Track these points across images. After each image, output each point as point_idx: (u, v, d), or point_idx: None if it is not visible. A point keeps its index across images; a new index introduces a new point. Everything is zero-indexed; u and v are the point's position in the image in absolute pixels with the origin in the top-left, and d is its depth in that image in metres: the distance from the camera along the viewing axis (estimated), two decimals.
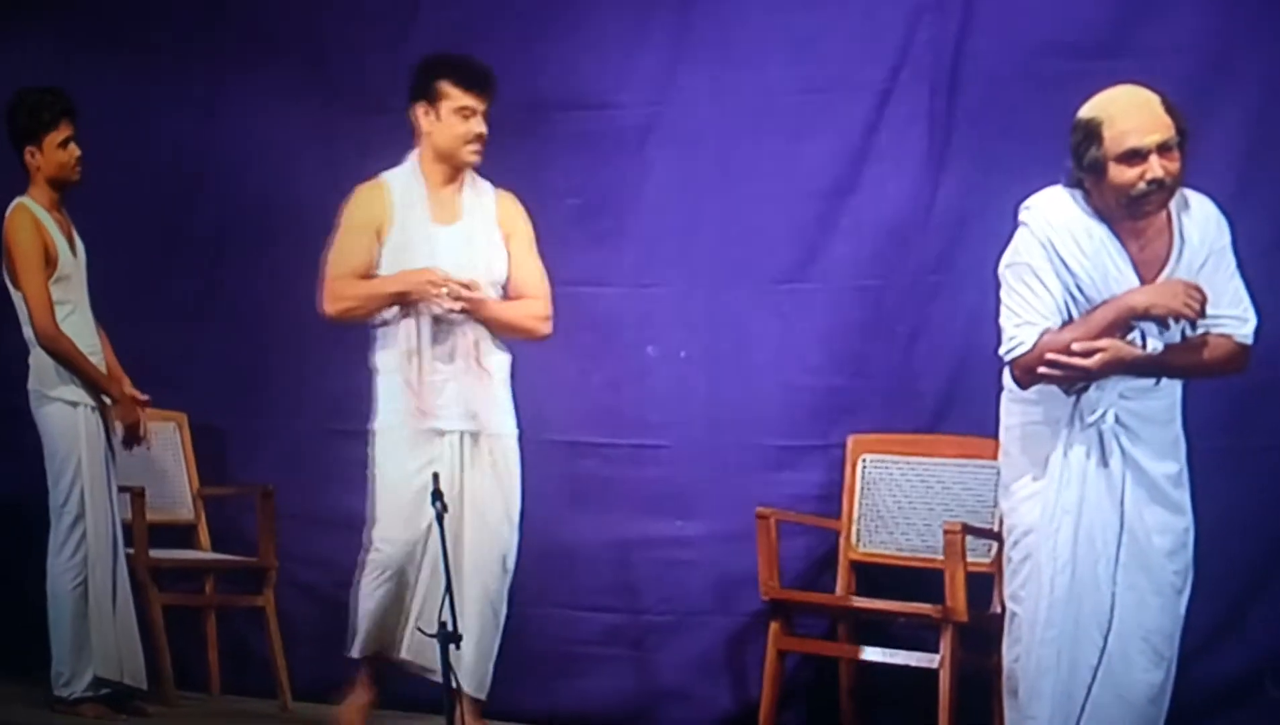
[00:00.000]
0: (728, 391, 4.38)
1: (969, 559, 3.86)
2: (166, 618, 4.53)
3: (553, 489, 4.05)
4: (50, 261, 4.17)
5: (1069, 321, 2.99)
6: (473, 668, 3.77)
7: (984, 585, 3.95)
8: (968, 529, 3.87)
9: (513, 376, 3.91)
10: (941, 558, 3.86)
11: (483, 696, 3.83)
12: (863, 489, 4.21)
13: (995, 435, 3.15)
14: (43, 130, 4.19)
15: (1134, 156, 2.91)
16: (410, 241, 3.80)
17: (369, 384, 4.68)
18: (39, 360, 4.20)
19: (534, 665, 4.37)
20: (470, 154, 3.82)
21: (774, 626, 4.07)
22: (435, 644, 3.14)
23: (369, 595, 3.83)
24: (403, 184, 3.84)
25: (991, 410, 3.15)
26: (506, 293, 3.88)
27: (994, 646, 3.25)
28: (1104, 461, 2.97)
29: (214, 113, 4.91)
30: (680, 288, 4.43)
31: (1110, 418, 2.97)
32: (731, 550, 4.25)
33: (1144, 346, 2.99)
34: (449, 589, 3.28)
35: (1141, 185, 2.92)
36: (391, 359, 3.81)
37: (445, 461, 3.75)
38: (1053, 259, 2.98)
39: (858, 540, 4.22)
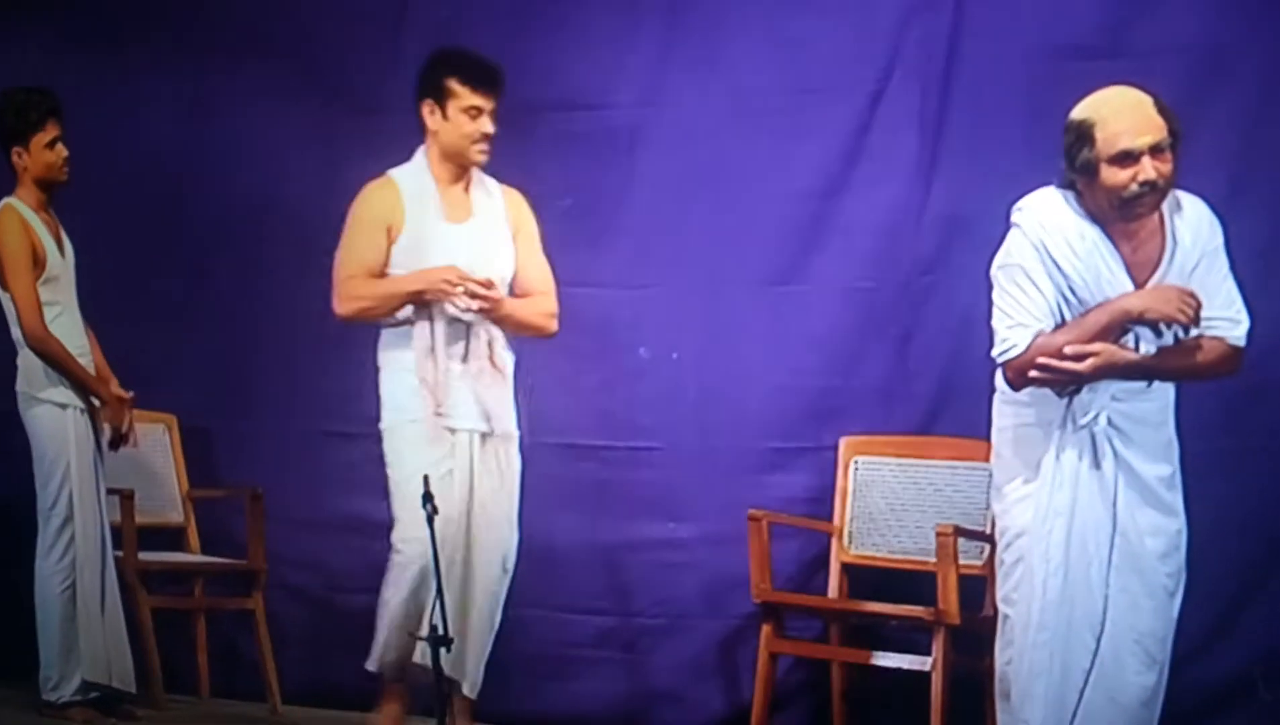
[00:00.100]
0: (720, 393, 4.37)
1: (961, 561, 3.85)
2: (155, 620, 4.51)
3: (544, 491, 4.03)
4: (38, 262, 4.15)
5: (1062, 323, 2.98)
6: (471, 669, 3.74)
7: (976, 588, 3.95)
8: (960, 531, 3.86)
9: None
10: (934, 560, 3.86)
11: (474, 697, 3.82)
12: (855, 491, 4.21)
13: (988, 437, 3.14)
14: (30, 130, 4.17)
15: (1126, 158, 2.91)
16: (422, 240, 3.75)
17: (362, 383, 4.68)
18: (27, 362, 4.18)
19: (526, 667, 4.36)
20: (478, 153, 3.79)
21: (766, 629, 4.06)
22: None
23: (390, 600, 3.74)
24: (413, 182, 3.80)
25: (984, 412, 3.14)
26: (513, 290, 3.85)
27: (986, 649, 3.24)
28: (1096, 464, 2.97)
29: (203, 112, 4.89)
30: (672, 289, 4.43)
31: (1103, 420, 2.96)
32: (723, 552, 4.24)
33: (1137, 349, 2.98)
34: (440, 592, 3.27)
35: (1134, 187, 2.92)
36: (405, 358, 3.75)
37: (460, 461, 3.72)
38: (1045, 261, 2.97)
39: (850, 542, 4.22)
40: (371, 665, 3.81)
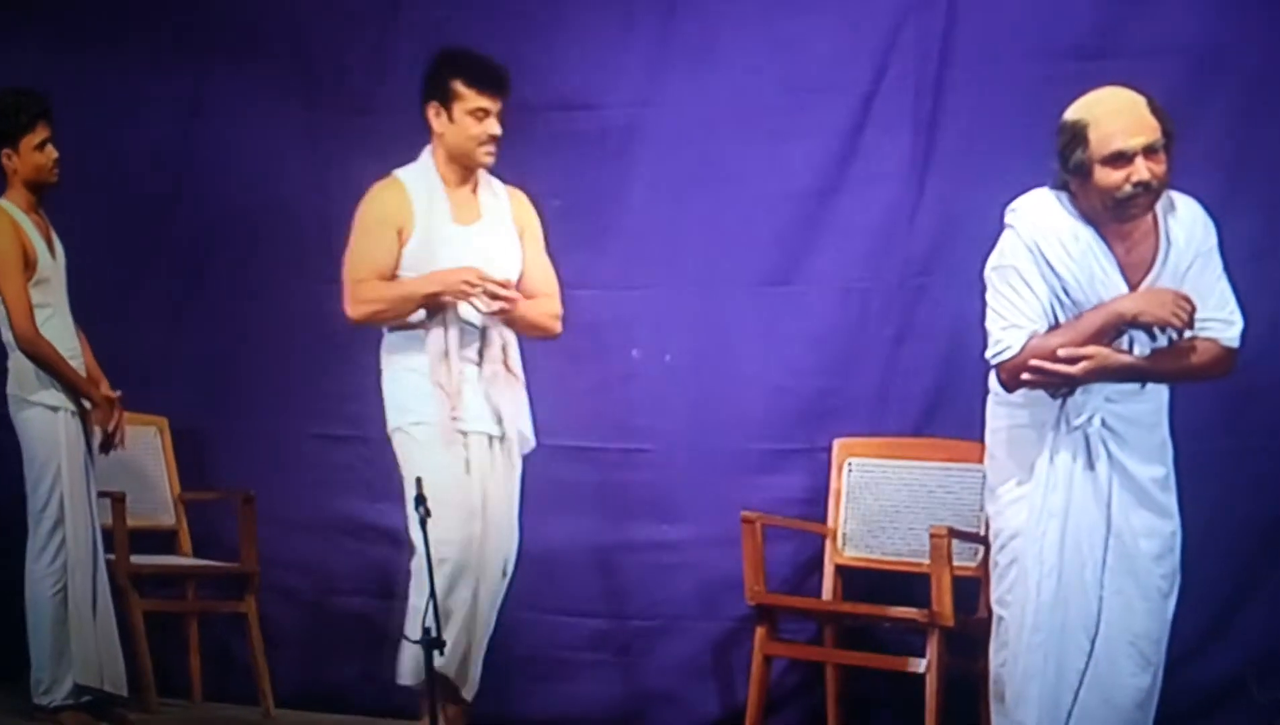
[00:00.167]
0: (713, 395, 4.37)
1: (955, 563, 3.85)
2: (147, 624, 4.50)
3: (538, 493, 4.02)
4: (29, 264, 4.14)
5: (1056, 324, 2.98)
6: (473, 673, 3.72)
7: (970, 589, 3.94)
8: (954, 533, 3.86)
9: None
10: (928, 562, 3.85)
11: (470, 700, 3.80)
12: (848, 493, 4.20)
13: (981, 438, 3.13)
14: (19, 132, 4.16)
15: (1120, 159, 2.91)
16: (432, 242, 3.72)
17: (355, 385, 4.67)
18: (18, 364, 4.16)
19: (520, 670, 4.35)
20: (485, 155, 3.76)
21: (760, 631, 4.06)
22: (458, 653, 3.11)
23: (421, 606, 3.60)
24: (421, 183, 3.76)
25: (978, 413, 3.14)
26: (519, 291, 3.82)
27: (980, 651, 3.24)
28: (1090, 465, 2.96)
29: (195, 113, 4.87)
30: (665, 290, 4.42)
31: (1096, 421, 2.96)
32: (717, 554, 4.24)
33: (1131, 351, 2.98)
34: (433, 593, 3.26)
35: (1127, 187, 2.91)
36: (413, 360, 3.71)
37: (476, 463, 3.70)
38: (1039, 262, 2.97)
39: (844, 544, 4.21)
40: (406, 679, 3.69)
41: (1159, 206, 2.99)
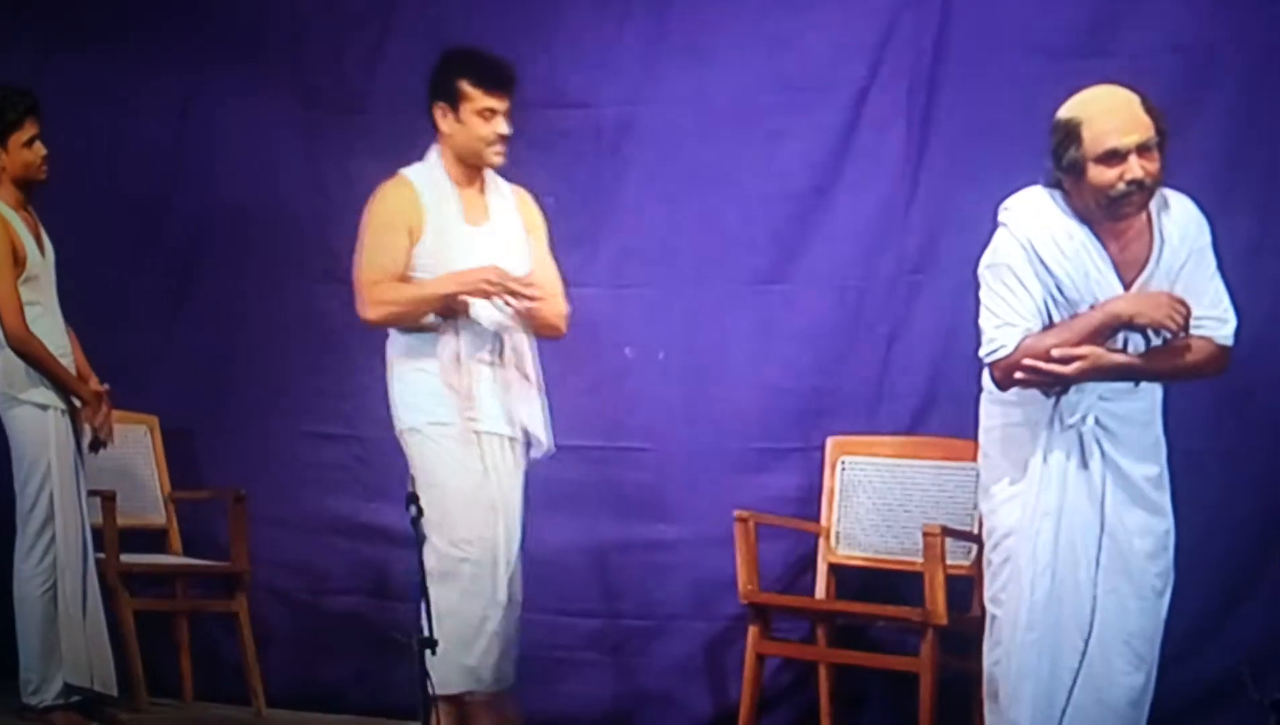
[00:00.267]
0: (706, 393, 4.36)
1: (949, 561, 3.84)
2: (138, 623, 4.48)
3: (530, 493, 4.01)
4: (19, 261, 4.12)
5: (1049, 322, 2.97)
6: (509, 668, 3.67)
7: (964, 588, 3.94)
8: (947, 531, 3.85)
9: None
10: (921, 560, 3.84)
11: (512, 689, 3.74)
12: (842, 491, 4.19)
13: (975, 437, 3.13)
14: (7, 129, 4.14)
15: (1113, 157, 2.90)
16: (445, 243, 3.67)
17: (346, 383, 4.65)
18: (8, 362, 4.15)
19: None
20: (494, 155, 3.71)
21: (753, 630, 4.05)
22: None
23: (457, 610, 3.56)
24: (430, 182, 3.71)
25: (971, 412, 3.13)
26: None
27: (974, 649, 3.23)
28: (1084, 464, 2.96)
29: (188, 110, 4.86)
30: (658, 289, 4.41)
31: (1090, 420, 2.95)
32: (710, 553, 4.23)
33: (1124, 350, 2.97)
34: (425, 594, 3.25)
35: (1121, 186, 2.91)
36: (424, 360, 3.66)
37: (493, 464, 3.67)
38: (1033, 260, 2.96)
39: (837, 543, 4.20)
40: (448, 688, 3.59)
41: (1153, 204, 2.99)
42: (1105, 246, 2.98)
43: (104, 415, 4.16)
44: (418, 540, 3.27)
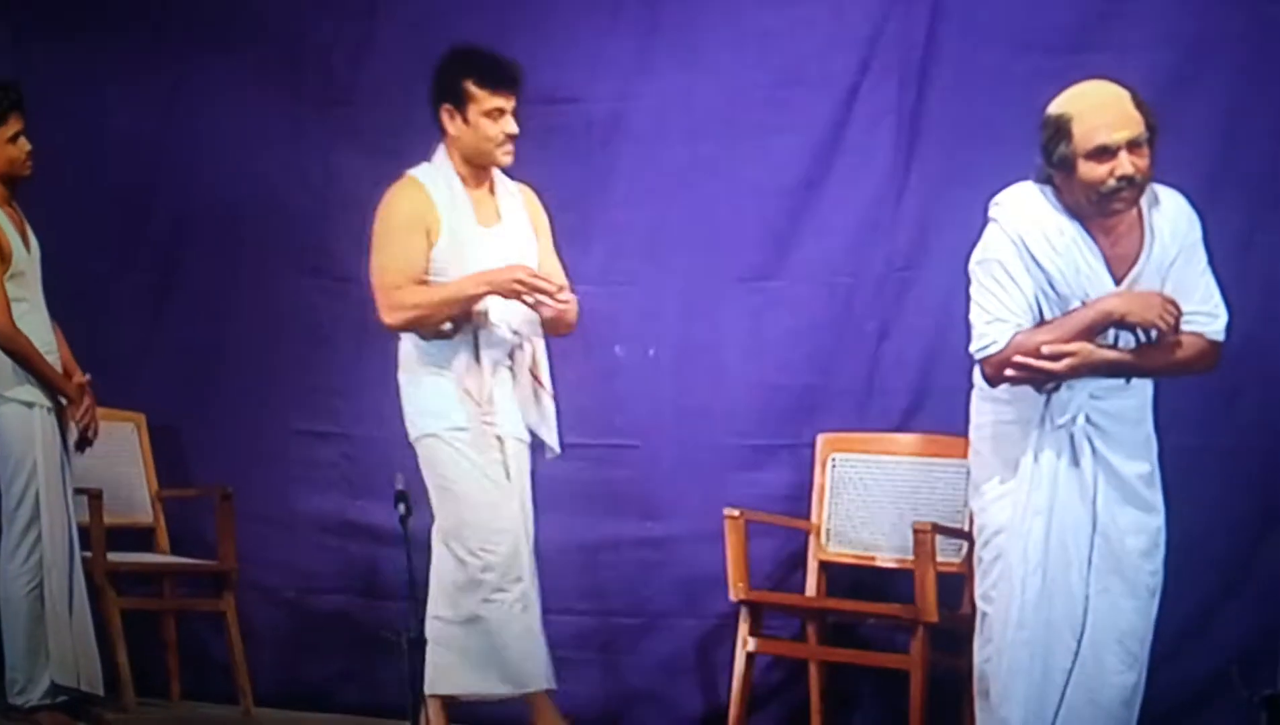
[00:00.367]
0: (696, 390, 4.35)
1: (939, 559, 3.84)
2: (125, 622, 4.46)
3: None
4: (4, 257, 4.09)
5: (1040, 318, 2.97)
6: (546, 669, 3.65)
7: (954, 585, 3.93)
8: (938, 529, 3.84)
9: None
10: (911, 558, 3.83)
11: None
12: (832, 488, 4.18)
13: (965, 433, 3.12)
14: None
15: (1104, 153, 2.90)
16: (461, 244, 3.61)
17: (335, 381, 4.63)
18: None
19: None
20: (504, 155, 3.66)
21: (743, 628, 4.04)
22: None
23: (490, 615, 3.54)
24: (441, 183, 3.66)
25: (962, 408, 3.12)
26: None
27: (965, 647, 3.22)
28: (1075, 462, 2.95)
29: (173, 104, 4.83)
30: (648, 285, 4.39)
31: (1080, 419, 2.95)
32: (701, 551, 4.22)
33: (1115, 346, 2.97)
34: (413, 594, 3.23)
35: (1111, 182, 2.90)
36: (445, 365, 3.61)
37: (515, 468, 3.64)
38: (1023, 256, 2.95)
39: (827, 540, 4.19)
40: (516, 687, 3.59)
41: (1143, 200, 2.98)
42: (1096, 242, 2.97)
43: (87, 407, 4.14)
44: (406, 539, 3.26)
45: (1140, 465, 3.00)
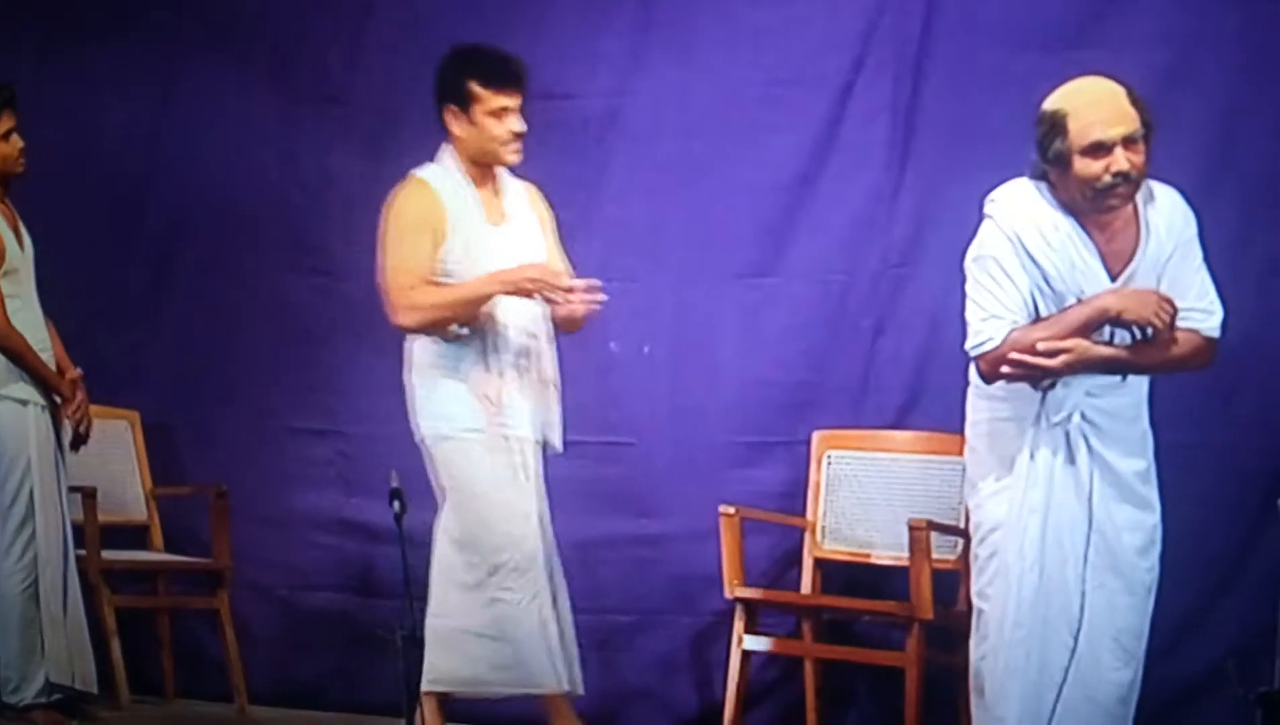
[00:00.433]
0: (692, 387, 4.34)
1: (935, 556, 3.83)
2: (119, 620, 4.45)
3: None
4: None
5: (1036, 314, 2.96)
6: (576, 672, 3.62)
7: (950, 582, 3.93)
8: (933, 526, 3.84)
9: None
10: (907, 555, 3.83)
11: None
12: (827, 485, 4.18)
13: (961, 430, 3.12)
14: None
15: (1099, 149, 2.89)
16: (471, 244, 3.58)
17: (328, 379, 4.62)
18: None
19: None
20: (510, 155, 3.62)
21: (738, 625, 4.03)
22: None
23: (520, 618, 3.51)
24: (448, 184, 3.62)
25: (957, 405, 3.12)
26: None
27: (960, 644, 3.22)
28: (1071, 460, 2.95)
29: (166, 103, 4.82)
30: (643, 283, 4.38)
31: (1076, 417, 2.95)
32: (696, 548, 4.21)
33: (1111, 342, 2.96)
34: (409, 592, 3.22)
35: (1107, 178, 2.90)
36: (451, 366, 3.57)
37: (532, 469, 3.63)
38: (1019, 252, 2.95)
39: (823, 537, 4.19)
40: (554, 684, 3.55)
41: (1139, 196, 2.98)
42: (1091, 238, 2.97)
43: (80, 403, 4.12)
44: (401, 537, 3.25)
45: (1136, 462, 3.00)
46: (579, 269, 4.36)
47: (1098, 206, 2.94)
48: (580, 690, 3.63)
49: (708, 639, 4.27)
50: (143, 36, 4.83)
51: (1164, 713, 3.58)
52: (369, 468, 4.40)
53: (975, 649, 3.03)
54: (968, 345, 3.00)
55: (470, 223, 3.62)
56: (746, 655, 4.04)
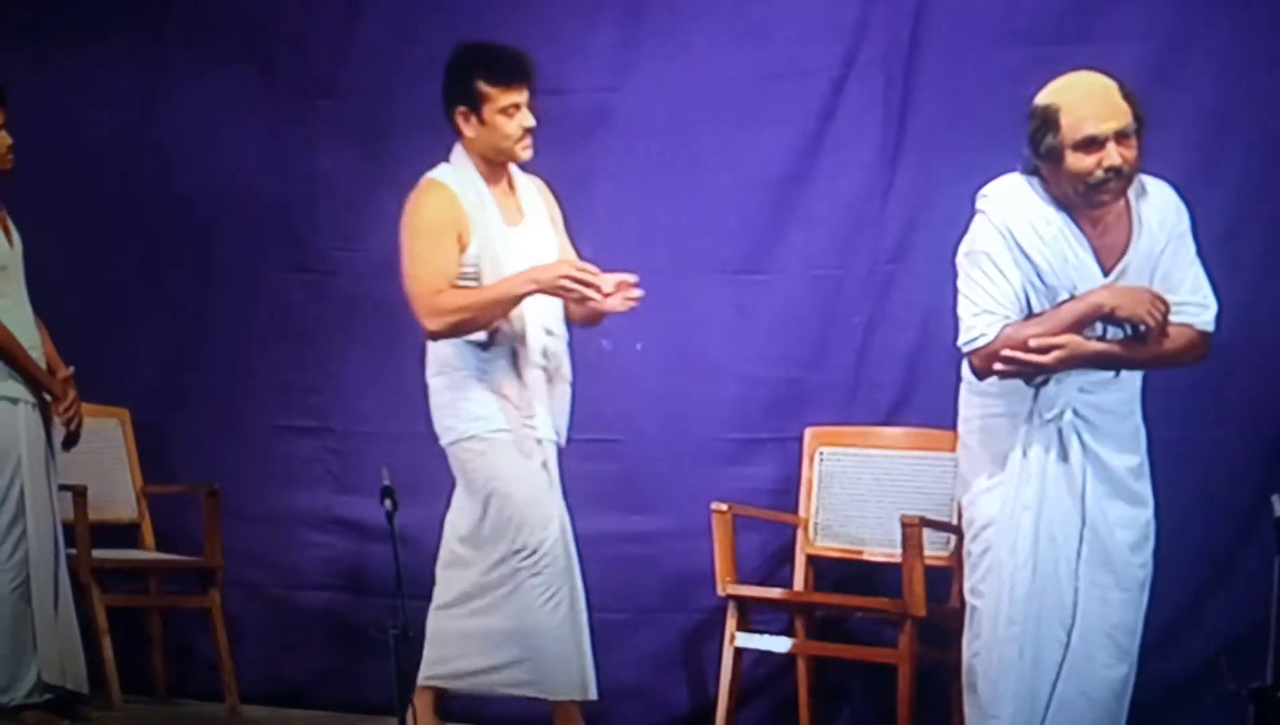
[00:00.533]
0: (683, 384, 4.33)
1: (928, 552, 3.83)
2: (110, 619, 4.43)
3: None
4: None
5: (1029, 310, 2.96)
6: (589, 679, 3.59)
7: (943, 579, 3.92)
8: (926, 522, 3.83)
9: None
10: (899, 552, 3.82)
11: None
12: (820, 482, 4.17)
13: (954, 427, 3.11)
14: None
15: (1091, 144, 2.89)
16: (492, 245, 3.54)
17: (319, 377, 4.61)
18: None
19: None
20: (523, 151, 3.59)
21: (731, 623, 4.03)
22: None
23: (545, 622, 3.47)
24: (466, 185, 3.57)
25: (949, 401, 3.11)
26: None
27: (953, 641, 3.22)
28: (1064, 457, 2.94)
29: (155, 101, 4.80)
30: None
31: (1069, 413, 2.94)
32: (688, 546, 4.20)
33: (1104, 338, 2.96)
34: (400, 590, 3.21)
35: (1099, 173, 2.89)
36: (483, 368, 3.53)
37: (555, 470, 3.60)
38: (1011, 247, 2.95)
39: (815, 534, 4.18)
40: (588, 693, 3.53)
41: (1131, 191, 2.97)
42: (1084, 232, 2.96)
43: (72, 402, 4.11)
44: (393, 534, 3.24)
45: (1129, 458, 3.00)
46: None
47: (1090, 201, 2.93)
48: (592, 695, 3.60)
49: (700, 636, 4.26)
50: (130, 34, 4.81)
51: (1157, 708, 3.58)
52: (360, 466, 4.40)
53: (968, 646, 3.03)
54: (960, 341, 3.00)
55: (490, 223, 3.58)
56: (739, 652, 4.03)
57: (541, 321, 3.60)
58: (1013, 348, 2.91)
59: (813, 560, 4.18)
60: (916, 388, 4.10)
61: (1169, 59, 3.86)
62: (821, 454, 4.18)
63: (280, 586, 4.64)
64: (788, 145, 4.23)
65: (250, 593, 4.64)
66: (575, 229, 4.37)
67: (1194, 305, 2.99)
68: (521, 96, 3.59)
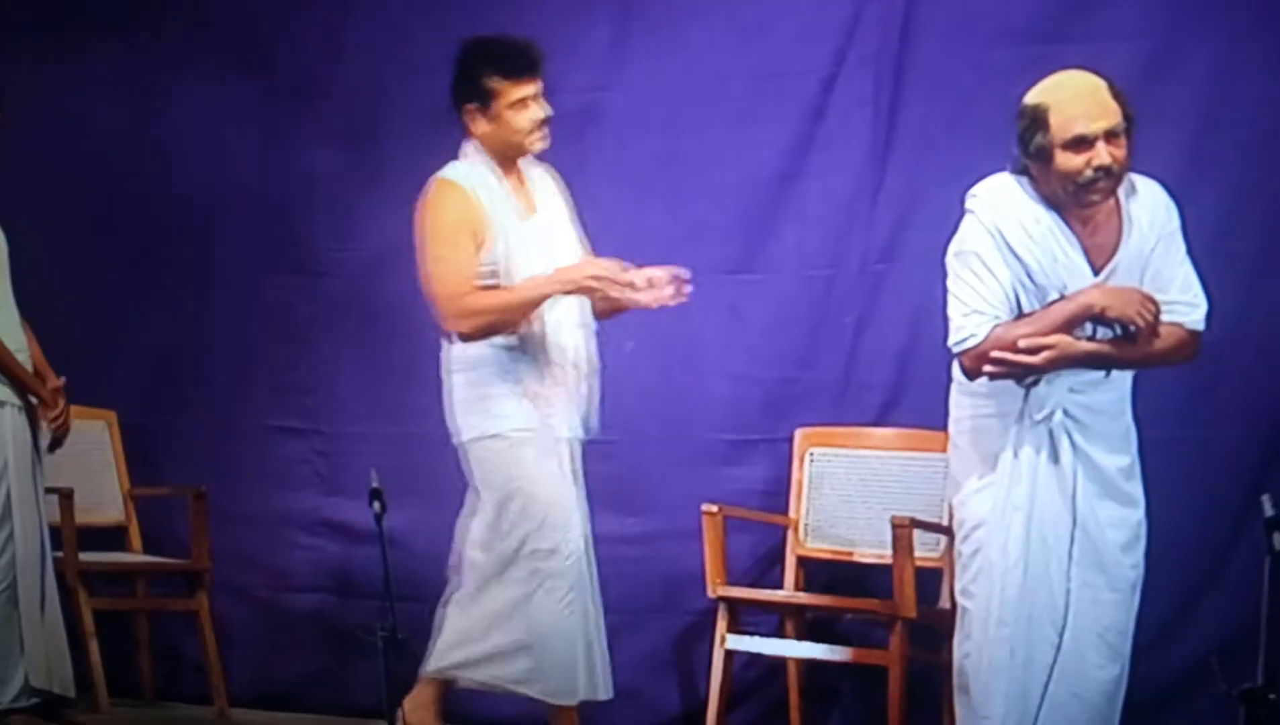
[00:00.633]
0: (674, 385, 4.32)
1: (918, 554, 3.82)
2: (97, 622, 4.42)
3: None
4: None
5: (1019, 309, 2.95)
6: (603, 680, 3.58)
7: (933, 581, 3.91)
8: (916, 523, 3.83)
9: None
10: (890, 553, 3.81)
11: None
12: (810, 483, 4.16)
13: (944, 428, 3.10)
14: None
15: (1081, 143, 2.88)
16: (509, 243, 3.49)
17: (309, 377, 4.59)
18: None
19: None
20: (537, 143, 3.55)
21: (721, 624, 4.02)
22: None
23: (564, 624, 3.45)
24: (480, 182, 3.52)
25: (940, 402, 3.11)
26: None
27: (944, 642, 3.21)
28: (1054, 458, 2.94)
29: (145, 101, 4.79)
30: None
31: (1059, 414, 2.93)
32: (679, 547, 4.20)
33: (1094, 338, 2.95)
34: (389, 593, 3.20)
35: (1089, 172, 2.89)
36: (506, 368, 3.49)
37: (577, 469, 3.58)
38: (1001, 247, 2.94)
39: (806, 536, 4.18)
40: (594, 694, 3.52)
41: (1121, 190, 2.97)
42: (1074, 232, 2.96)
43: (61, 411, 4.09)
44: (381, 537, 3.23)
45: (1120, 458, 2.99)
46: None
47: (1079, 201, 2.93)
48: (601, 696, 3.57)
49: (691, 638, 4.25)
50: (122, 35, 4.80)
51: (1149, 708, 3.57)
52: (349, 467, 4.38)
53: (959, 647, 3.02)
54: (950, 341, 2.99)
55: (506, 220, 3.54)
56: (729, 654, 4.03)
57: (571, 317, 3.57)
58: (1002, 348, 2.90)
59: (803, 562, 4.17)
60: (907, 388, 4.09)
61: (1160, 58, 3.86)
62: (812, 455, 4.17)
63: (268, 589, 4.63)
64: (778, 145, 4.23)
65: (238, 595, 4.62)
66: None
67: (1184, 304, 2.99)
68: (532, 88, 3.54)
